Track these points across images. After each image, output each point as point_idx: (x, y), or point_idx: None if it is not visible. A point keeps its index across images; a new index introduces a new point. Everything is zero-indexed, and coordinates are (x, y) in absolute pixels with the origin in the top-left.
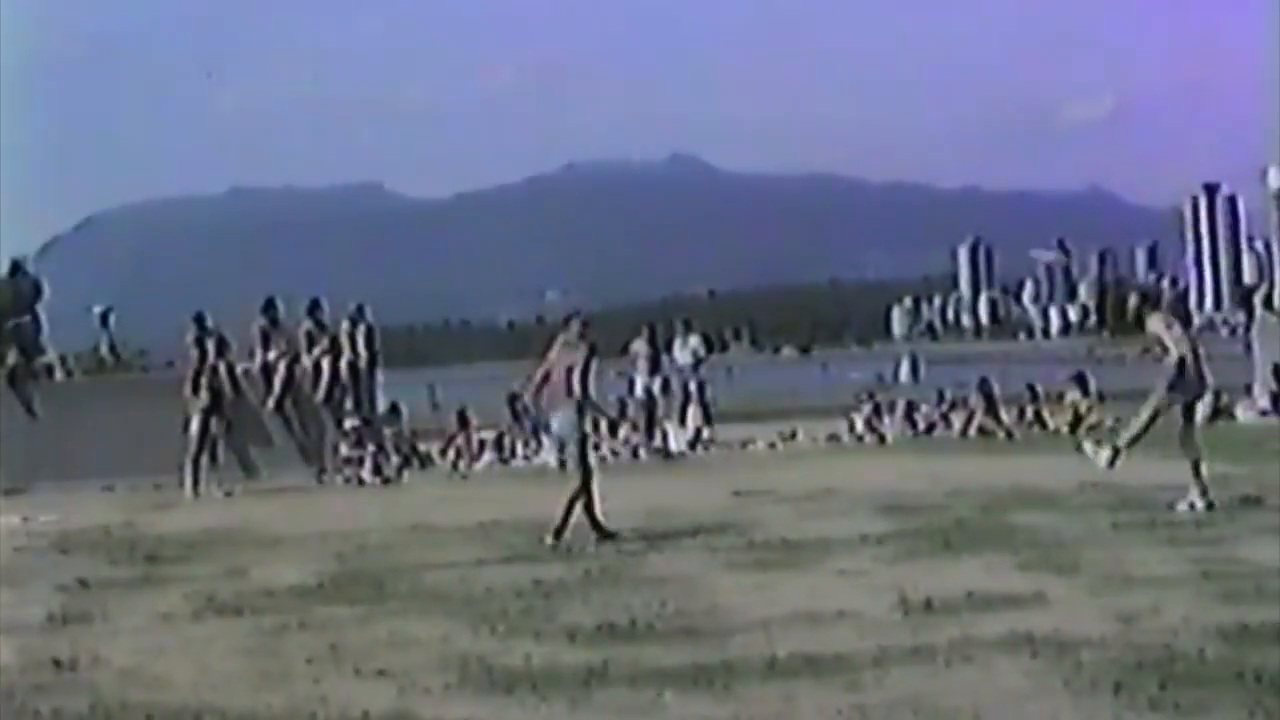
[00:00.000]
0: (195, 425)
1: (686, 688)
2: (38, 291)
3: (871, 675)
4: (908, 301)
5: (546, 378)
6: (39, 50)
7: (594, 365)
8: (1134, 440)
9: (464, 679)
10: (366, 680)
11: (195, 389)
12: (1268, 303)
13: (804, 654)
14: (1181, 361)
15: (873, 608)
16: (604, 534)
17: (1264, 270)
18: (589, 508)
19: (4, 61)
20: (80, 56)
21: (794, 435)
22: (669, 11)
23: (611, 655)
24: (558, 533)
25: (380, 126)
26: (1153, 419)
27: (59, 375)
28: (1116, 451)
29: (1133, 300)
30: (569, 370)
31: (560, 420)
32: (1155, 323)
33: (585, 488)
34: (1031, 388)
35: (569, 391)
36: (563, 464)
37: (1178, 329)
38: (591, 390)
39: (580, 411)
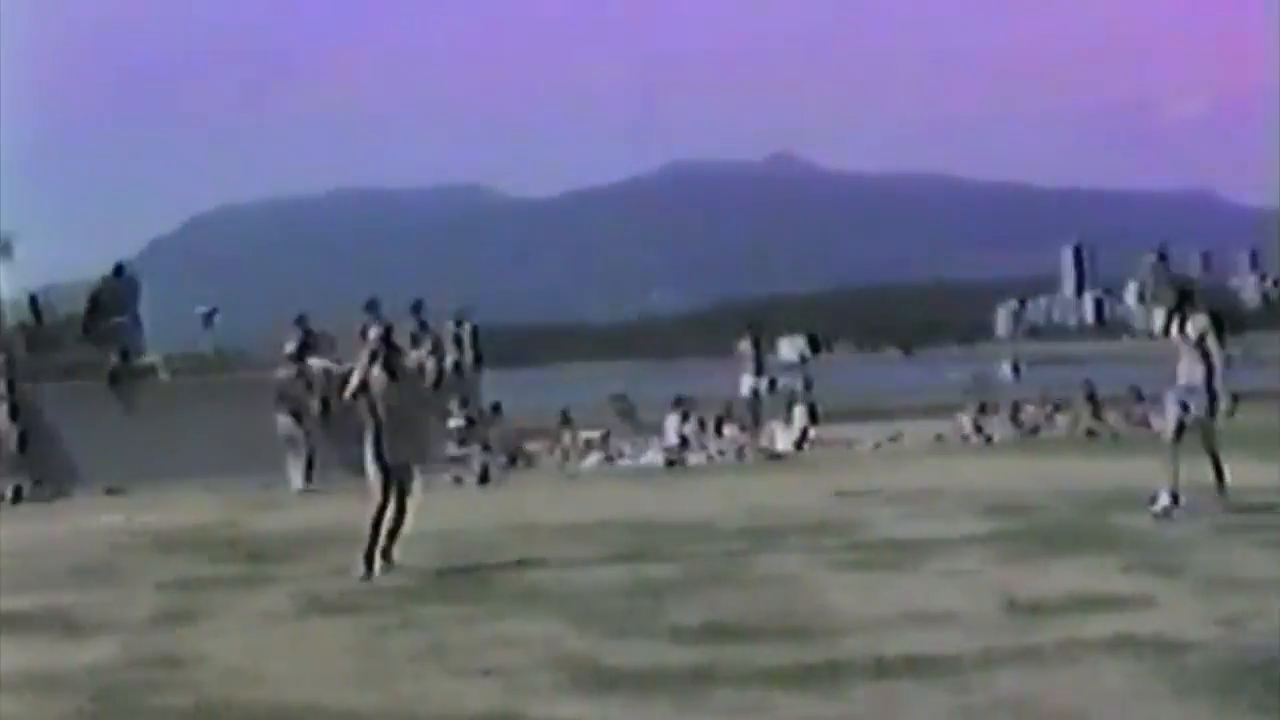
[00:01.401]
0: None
1: (793, 688)
2: (139, 292)
3: (977, 676)
4: (1011, 301)
5: None
6: (145, 55)
7: None
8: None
9: (570, 678)
10: (471, 679)
11: (309, 386)
12: None
13: (909, 655)
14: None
15: (977, 609)
16: None
17: None
18: None
19: (112, 66)
20: (185, 61)
21: (898, 435)
22: (770, 10)
23: (718, 655)
24: None
25: (483, 127)
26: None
27: (162, 375)
28: None
29: (1173, 294)
30: None
31: None
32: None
33: None
34: (1136, 389)
35: None
36: (670, 463)
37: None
38: None
39: None
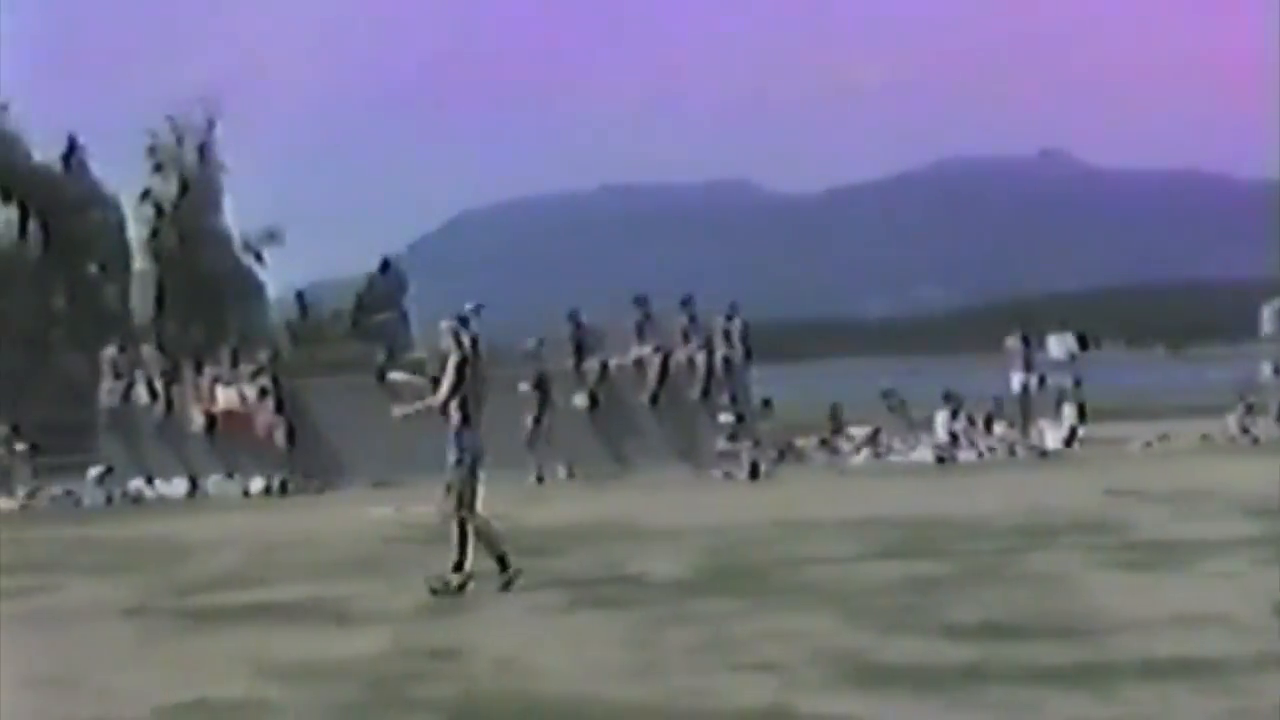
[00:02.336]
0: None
1: (1064, 687)
2: (404, 288)
3: (1249, 680)
4: (1277, 300)
5: None
6: (414, 53)
7: None
8: None
9: (843, 674)
10: (745, 673)
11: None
12: None
13: (1180, 656)
14: None
15: (1248, 611)
16: None
17: None
18: None
19: (381, 64)
20: (454, 58)
21: (1166, 435)
22: (1036, 8)
23: (990, 653)
24: None
25: (751, 123)
26: None
27: (430, 371)
28: None
29: None
30: None
31: None
32: None
33: None
34: None
35: None
36: (940, 460)
37: None
38: None
39: None
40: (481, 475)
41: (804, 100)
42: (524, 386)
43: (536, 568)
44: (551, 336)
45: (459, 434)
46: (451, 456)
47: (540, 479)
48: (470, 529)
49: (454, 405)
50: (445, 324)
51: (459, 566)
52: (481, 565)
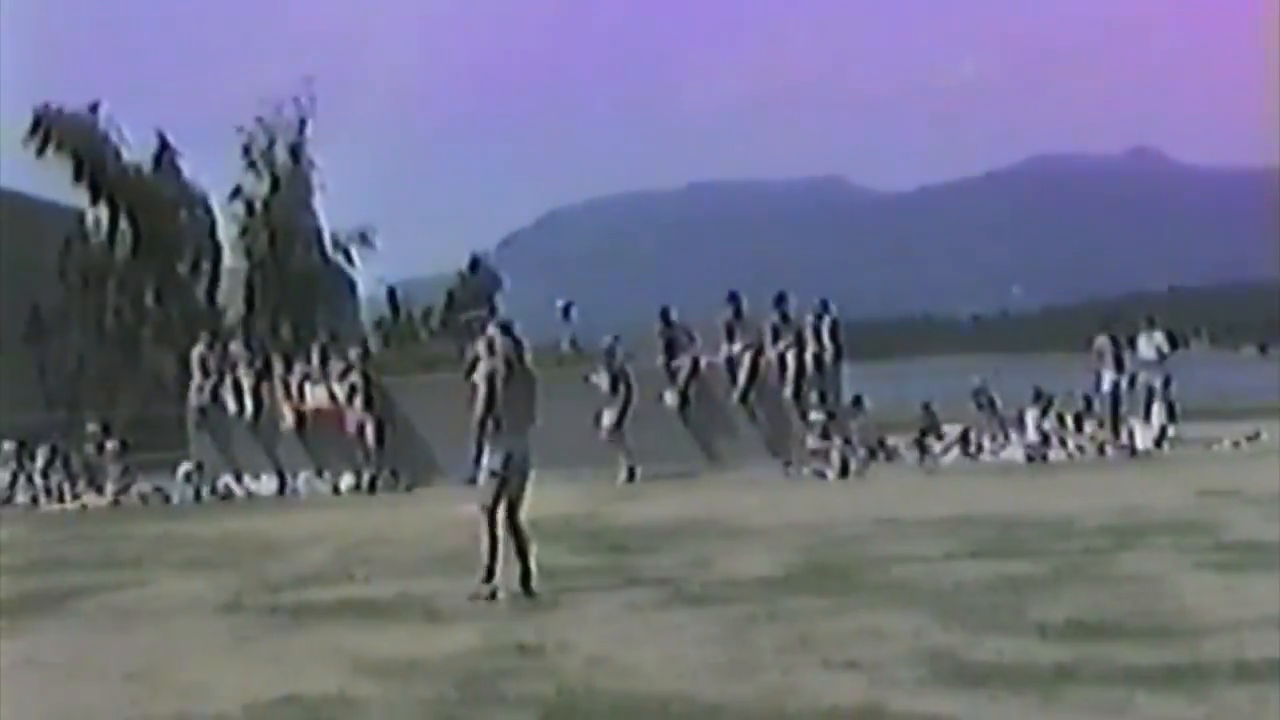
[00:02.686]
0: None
1: (1156, 688)
2: (496, 285)
3: None
4: None
5: None
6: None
7: None
8: None
9: (935, 673)
10: (836, 672)
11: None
12: None
13: (1273, 658)
14: None
15: None
16: None
17: None
18: None
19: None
20: (544, 55)
21: (1257, 434)
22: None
23: (1082, 653)
24: None
25: (843, 120)
26: None
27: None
28: None
29: None
30: None
31: None
32: None
33: None
34: None
35: None
36: (1030, 459)
37: None
38: None
39: None
40: (513, 479)
41: (896, 97)
42: (597, 381)
43: (627, 565)
44: (642, 334)
45: (489, 440)
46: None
47: (632, 476)
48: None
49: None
50: (490, 329)
51: (521, 572)
52: (573, 561)
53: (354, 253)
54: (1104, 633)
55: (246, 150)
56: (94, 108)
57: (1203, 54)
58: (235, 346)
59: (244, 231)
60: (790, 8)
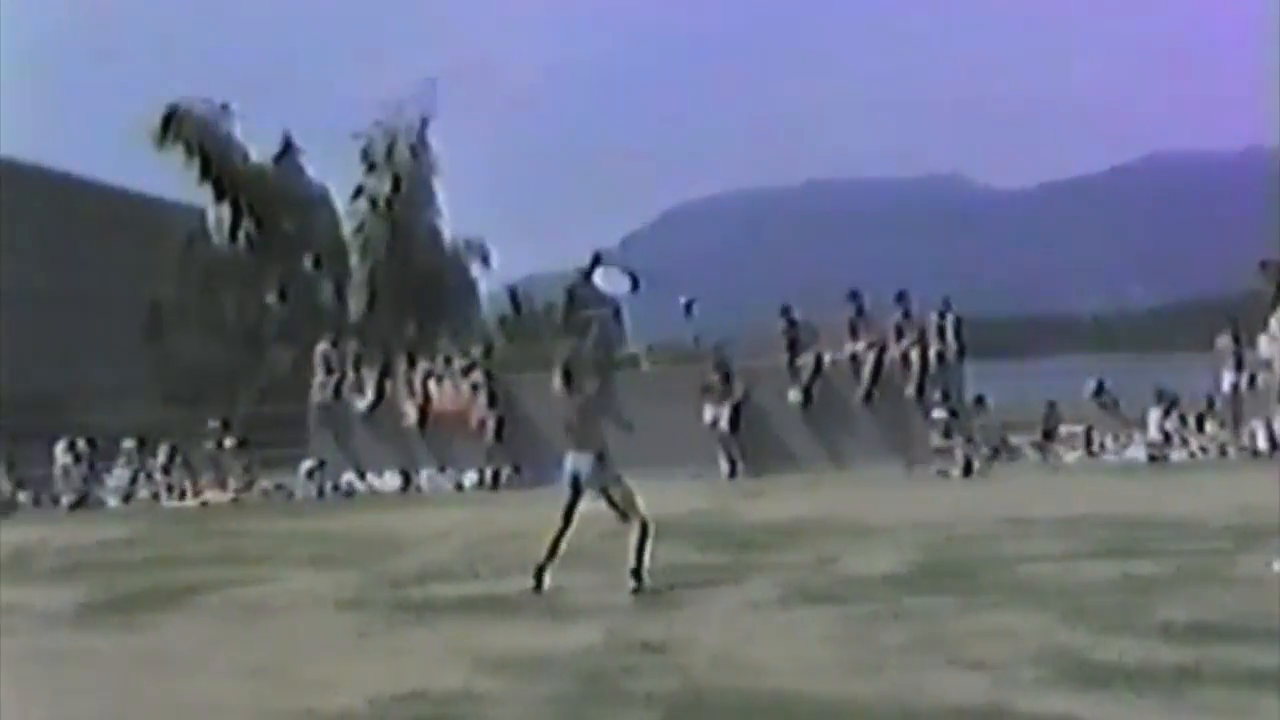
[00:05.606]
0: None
1: None
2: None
3: None
4: None
5: None
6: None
7: None
8: None
9: (1058, 673)
10: (960, 671)
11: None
12: None
13: None
14: None
15: None
16: None
17: None
18: None
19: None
20: (658, 55)
21: None
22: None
23: (1205, 654)
24: None
25: (962, 118)
26: None
27: (644, 365)
28: None
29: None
30: None
31: None
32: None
33: None
34: None
35: None
36: (1152, 459)
37: None
38: None
39: None
40: (566, 492)
41: (1016, 95)
42: (712, 380)
43: (750, 562)
44: (763, 332)
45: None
46: None
47: (733, 473)
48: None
49: None
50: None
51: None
52: (697, 559)
53: (474, 258)
54: (1227, 634)
55: (365, 154)
56: (224, 107)
57: None
58: (356, 344)
59: (366, 230)
60: (912, 8)
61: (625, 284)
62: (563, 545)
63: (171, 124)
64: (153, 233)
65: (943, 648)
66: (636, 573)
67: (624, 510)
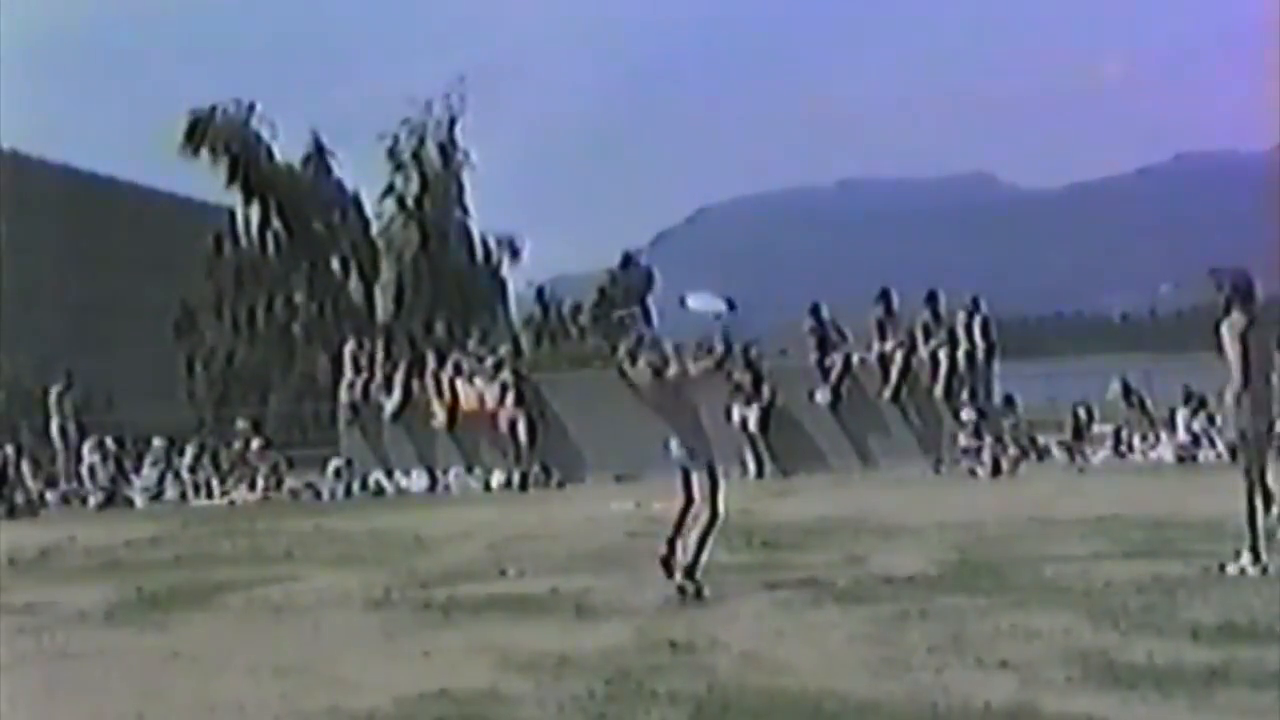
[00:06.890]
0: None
1: None
2: (649, 283)
3: None
4: None
5: None
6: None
7: None
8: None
9: (1086, 673)
10: (988, 671)
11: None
12: None
13: None
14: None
15: None
16: None
17: None
18: None
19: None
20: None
21: None
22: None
23: (1233, 655)
24: None
25: (993, 118)
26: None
27: (673, 366)
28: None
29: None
30: None
31: None
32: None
33: None
34: None
35: None
36: (1180, 459)
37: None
38: None
39: None
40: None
41: (1045, 94)
42: (739, 380)
43: (779, 562)
44: (793, 332)
45: None
46: None
47: (760, 473)
48: None
49: None
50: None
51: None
52: (725, 558)
53: (503, 258)
54: (1255, 635)
55: (392, 153)
56: (250, 108)
57: None
58: (386, 343)
59: (394, 229)
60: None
61: (720, 306)
62: (688, 519)
63: (198, 128)
64: (181, 233)
65: (971, 648)
66: (691, 571)
67: (697, 498)
